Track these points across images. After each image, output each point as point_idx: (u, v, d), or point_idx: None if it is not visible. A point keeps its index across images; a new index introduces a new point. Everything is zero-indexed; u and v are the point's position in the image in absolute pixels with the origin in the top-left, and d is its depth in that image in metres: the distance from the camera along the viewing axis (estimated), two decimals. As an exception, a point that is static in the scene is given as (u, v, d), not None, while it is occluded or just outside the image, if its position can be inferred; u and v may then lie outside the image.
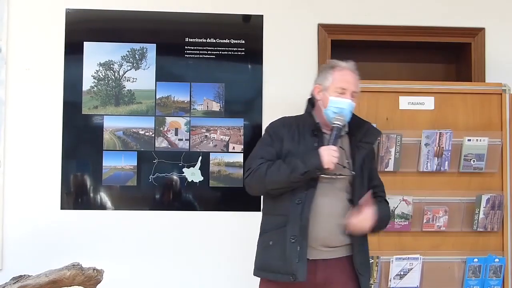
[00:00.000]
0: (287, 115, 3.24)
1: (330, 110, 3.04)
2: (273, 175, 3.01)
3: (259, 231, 3.16)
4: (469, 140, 3.96)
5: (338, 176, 3.04)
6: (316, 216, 3.02)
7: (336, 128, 3.01)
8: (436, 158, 3.95)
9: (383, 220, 3.10)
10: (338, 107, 3.02)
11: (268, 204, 3.15)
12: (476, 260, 3.90)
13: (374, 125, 3.34)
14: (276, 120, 3.23)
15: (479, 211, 3.85)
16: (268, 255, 3.07)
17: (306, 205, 3.00)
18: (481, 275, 3.92)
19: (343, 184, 3.08)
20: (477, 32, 4.42)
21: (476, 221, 3.87)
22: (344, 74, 3.08)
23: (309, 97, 3.17)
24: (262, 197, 3.19)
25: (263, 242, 3.11)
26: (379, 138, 3.42)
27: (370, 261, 3.28)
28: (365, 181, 3.11)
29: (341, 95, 3.03)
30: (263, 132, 4.05)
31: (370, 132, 3.17)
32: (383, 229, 3.18)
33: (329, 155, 2.94)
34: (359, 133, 3.14)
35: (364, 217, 2.95)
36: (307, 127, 3.11)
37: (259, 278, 3.13)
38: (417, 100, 4.07)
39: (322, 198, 3.04)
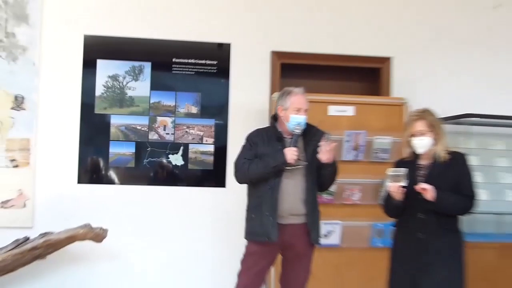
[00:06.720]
0: (260, 127, 3.65)
1: (291, 123, 3.45)
2: (254, 170, 3.45)
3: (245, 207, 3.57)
4: (377, 138, 4.44)
5: (297, 167, 3.46)
6: (283, 195, 3.43)
7: (295, 135, 3.44)
8: (354, 151, 4.44)
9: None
10: (296, 121, 3.44)
11: (250, 190, 3.57)
12: (380, 225, 4.40)
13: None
14: (252, 131, 3.60)
15: (383, 190, 3.62)
16: (251, 225, 3.51)
17: (275, 189, 3.43)
18: (383, 236, 4.40)
19: (301, 171, 3.47)
20: (386, 60, 4.84)
21: (381, 196, 3.82)
22: (298, 98, 3.48)
23: (273, 113, 3.60)
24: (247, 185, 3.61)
25: (248, 216, 3.55)
26: (324, 135, 3.54)
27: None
28: (314, 167, 3.49)
29: (297, 113, 3.44)
30: (228, 130, 4.63)
31: (318, 133, 3.53)
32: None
33: (291, 154, 3.40)
34: (309, 134, 3.53)
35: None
36: (273, 135, 3.52)
37: (242, 239, 3.63)
38: (341, 109, 4.45)
39: (287, 182, 3.46)
